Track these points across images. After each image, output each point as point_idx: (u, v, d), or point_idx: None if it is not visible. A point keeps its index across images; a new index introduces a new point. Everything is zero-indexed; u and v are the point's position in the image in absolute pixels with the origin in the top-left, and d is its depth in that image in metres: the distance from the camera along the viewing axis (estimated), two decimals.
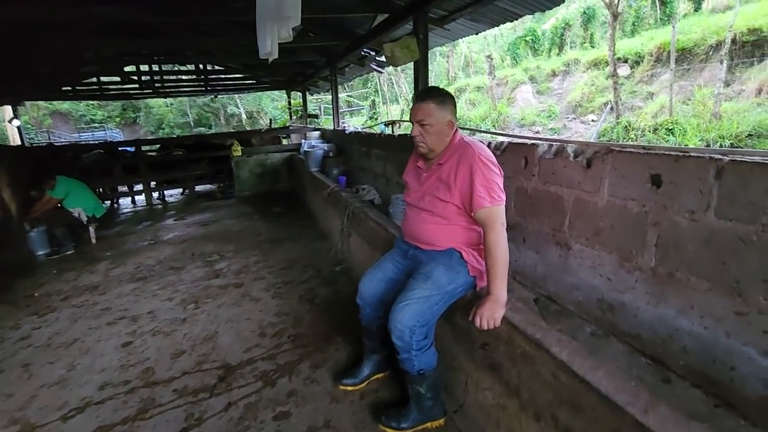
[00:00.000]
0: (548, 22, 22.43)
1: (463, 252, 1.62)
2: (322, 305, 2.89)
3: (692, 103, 8.82)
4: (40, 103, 23.98)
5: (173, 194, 7.94)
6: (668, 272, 1.43)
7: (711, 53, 9.79)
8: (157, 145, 8.30)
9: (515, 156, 2.18)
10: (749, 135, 7.17)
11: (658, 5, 18.07)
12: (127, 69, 7.92)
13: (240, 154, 6.87)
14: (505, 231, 1.51)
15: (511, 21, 3.74)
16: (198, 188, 7.98)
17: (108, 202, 7.31)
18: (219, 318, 2.80)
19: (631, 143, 1.81)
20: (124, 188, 7.61)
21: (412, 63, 3.63)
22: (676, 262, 1.41)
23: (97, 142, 12.33)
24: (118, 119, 28.52)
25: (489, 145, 2.38)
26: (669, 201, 1.42)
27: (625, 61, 12.06)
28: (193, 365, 2.25)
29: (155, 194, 7.60)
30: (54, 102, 23.85)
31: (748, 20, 9.56)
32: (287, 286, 3.25)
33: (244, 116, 23.94)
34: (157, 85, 8.97)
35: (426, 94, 1.62)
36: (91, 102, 25.27)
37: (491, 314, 1.42)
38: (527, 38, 20.66)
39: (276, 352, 2.34)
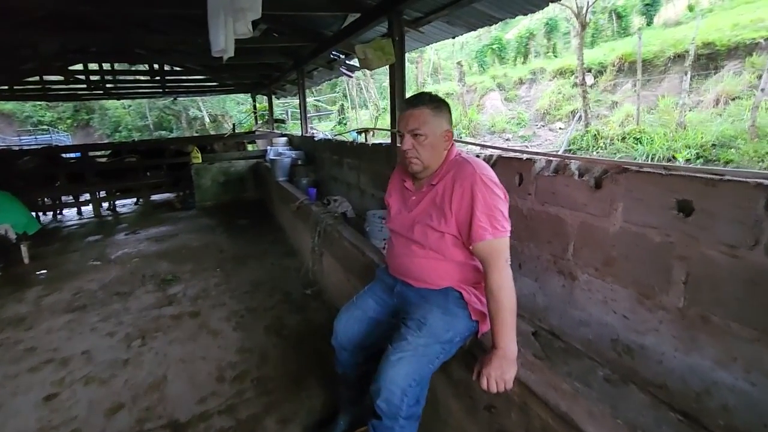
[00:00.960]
0: (512, 31, 22.99)
1: (463, 291, 1.36)
2: (291, 338, 2.56)
3: (657, 113, 9.11)
4: None
5: (126, 204, 7.29)
6: (701, 315, 1.23)
7: (670, 65, 10.21)
8: (108, 151, 7.62)
9: (508, 172, 1.96)
10: (713, 145, 7.43)
11: (615, 19, 18.97)
12: (74, 67, 7.24)
13: (200, 161, 6.38)
14: (510, 268, 1.27)
15: (489, 25, 3.56)
16: (155, 197, 7.38)
17: (50, 214, 6.63)
18: (169, 358, 2.40)
19: (650, 162, 1.61)
20: (70, 198, 6.92)
21: (387, 68, 3.38)
22: (712, 304, 1.20)
23: (36, 147, 11.31)
24: (69, 121, 26.60)
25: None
26: (701, 232, 1.21)
27: (589, 71, 12.40)
28: (133, 424, 1.87)
29: (105, 204, 6.96)
30: None
31: (702, 34, 10.02)
32: (251, 315, 2.89)
33: (207, 119, 22.94)
34: (108, 85, 8.29)
35: (419, 99, 1.35)
36: (38, 102, 23.49)
37: (500, 374, 1.16)
38: (493, 46, 21.03)
39: (236, 401, 1.99)
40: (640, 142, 8.41)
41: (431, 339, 1.28)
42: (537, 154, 1.84)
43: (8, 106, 24.37)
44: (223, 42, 1.98)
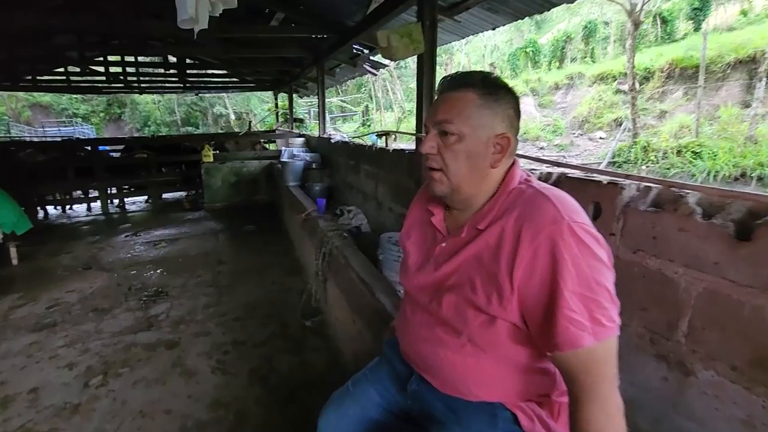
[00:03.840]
0: (546, 35, 22.09)
1: (521, 414, 0.80)
2: (279, 390, 2.05)
3: (718, 124, 8.15)
4: (19, 94, 22.79)
5: (137, 202, 7.02)
6: None
7: (729, 71, 9.22)
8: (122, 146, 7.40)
9: (578, 199, 1.39)
10: None
11: (659, 23, 17.79)
12: (94, 60, 7.07)
13: (211, 159, 6.01)
14: (618, 392, 0.71)
15: (540, 12, 2.98)
16: (166, 196, 7.10)
17: (60, 209, 6.42)
18: (127, 407, 1.94)
19: None
20: (80, 193, 6.70)
21: (415, 66, 2.86)
22: None
23: (42, 140, 11.31)
24: (102, 114, 27.34)
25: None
26: None
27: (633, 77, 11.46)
28: None
29: (116, 201, 6.72)
30: (34, 93, 22.66)
31: (763, 40, 9.00)
32: (237, 351, 2.40)
33: (232, 117, 22.99)
34: (130, 79, 8.11)
35: (464, 77, 0.82)
36: (74, 95, 24.15)
37: None
38: (527, 50, 20.19)
39: None
40: (700, 157, 7.45)
41: None
42: (627, 176, 1.27)
43: (46, 98, 25.21)
44: (191, 9, 1.49)
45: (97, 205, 6.41)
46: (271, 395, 2.00)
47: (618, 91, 11.76)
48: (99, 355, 2.38)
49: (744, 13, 15.73)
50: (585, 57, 18.76)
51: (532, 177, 0.85)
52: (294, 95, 9.14)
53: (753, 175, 6.53)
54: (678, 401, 1.12)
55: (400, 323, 1.01)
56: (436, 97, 0.87)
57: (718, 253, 1.00)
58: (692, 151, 7.69)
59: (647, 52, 14.34)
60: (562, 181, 1.50)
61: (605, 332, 0.67)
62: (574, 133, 11.69)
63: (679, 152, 7.88)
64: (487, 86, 0.80)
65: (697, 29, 16.19)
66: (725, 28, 15.16)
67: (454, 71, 0.86)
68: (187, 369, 2.23)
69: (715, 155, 7.26)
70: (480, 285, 0.77)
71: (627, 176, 1.29)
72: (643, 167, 8.13)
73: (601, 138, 10.74)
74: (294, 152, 5.46)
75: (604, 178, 1.35)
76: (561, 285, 0.67)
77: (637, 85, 9.50)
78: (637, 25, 9.00)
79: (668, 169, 7.75)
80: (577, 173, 1.47)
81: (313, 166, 4.97)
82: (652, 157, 8.20)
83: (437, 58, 2.74)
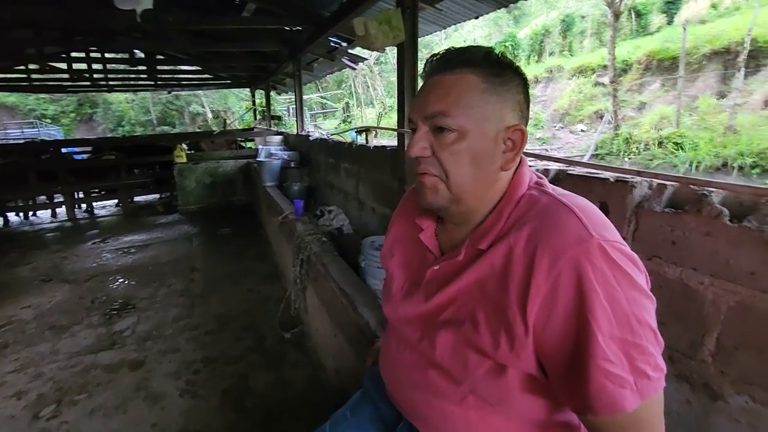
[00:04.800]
0: (524, 29, 22.21)
1: None
2: (254, 413, 1.86)
3: (698, 114, 8.26)
4: None
5: (107, 206, 6.65)
6: None
7: (705, 62, 9.36)
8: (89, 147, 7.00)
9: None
10: None
11: (633, 17, 18.07)
12: (58, 56, 6.63)
13: (184, 160, 5.71)
14: None
15: None
16: (139, 199, 6.76)
17: (21, 215, 6.02)
18: None
19: None
20: (45, 198, 6.30)
21: (395, 60, 2.67)
22: None
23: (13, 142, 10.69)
24: (72, 115, 26.23)
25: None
26: None
27: (605, 68, 11.54)
28: None
29: (84, 206, 6.34)
30: None
31: (740, 30, 9.15)
32: (209, 369, 2.20)
33: (209, 115, 22.36)
34: (97, 77, 7.67)
35: (461, 55, 0.63)
36: (42, 95, 23.03)
37: None
38: (507, 44, 20.24)
39: None
40: (682, 148, 7.54)
41: None
42: (638, 173, 1.12)
43: (11, 98, 23.97)
44: None
45: (62, 211, 6.04)
46: (245, 420, 1.81)
47: (597, 84, 11.84)
48: (53, 380, 2.15)
49: (714, 6, 16.09)
50: (563, 50, 18.93)
51: (544, 179, 0.69)
52: (272, 92, 8.85)
53: (734, 165, 6.64)
54: (703, 428, 0.99)
55: (384, 358, 0.83)
56: (421, 83, 0.69)
57: (755, 261, 0.87)
58: (674, 142, 7.77)
59: (624, 45, 14.53)
60: (561, 179, 1.36)
61: (652, 387, 0.51)
62: (555, 126, 11.73)
63: (660, 143, 7.95)
64: (491, 65, 0.62)
65: (670, 22, 16.52)
66: (697, 20, 15.47)
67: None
68: (152, 393, 2.02)
69: (697, 146, 7.34)
70: (484, 321, 0.60)
71: (638, 173, 1.15)
72: (626, 159, 8.19)
73: (582, 130, 10.80)
74: (271, 151, 5.22)
75: (611, 175, 1.20)
76: (593, 327, 0.51)
77: (607, 79, 9.55)
78: (617, 15, 9.01)
79: (650, 160, 7.84)
80: (574, 169, 1.33)
81: (292, 165, 4.75)
82: (634, 149, 8.26)
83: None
